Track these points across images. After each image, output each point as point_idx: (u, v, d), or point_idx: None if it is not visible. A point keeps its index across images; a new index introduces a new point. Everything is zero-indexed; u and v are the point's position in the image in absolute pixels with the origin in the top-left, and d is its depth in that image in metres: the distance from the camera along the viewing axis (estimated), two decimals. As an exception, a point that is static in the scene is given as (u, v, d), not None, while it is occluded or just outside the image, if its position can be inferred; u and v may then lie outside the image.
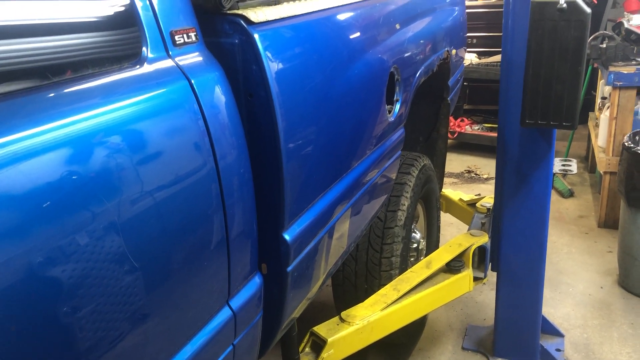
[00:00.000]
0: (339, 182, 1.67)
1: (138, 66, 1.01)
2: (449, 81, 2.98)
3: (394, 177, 2.30)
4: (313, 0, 1.57)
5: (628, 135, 3.17)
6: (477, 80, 5.74)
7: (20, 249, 0.76)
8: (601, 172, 3.91)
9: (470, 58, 5.85)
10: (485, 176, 5.10)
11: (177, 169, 1.04)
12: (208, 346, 1.16)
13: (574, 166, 4.19)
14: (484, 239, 2.47)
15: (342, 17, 1.68)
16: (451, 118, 5.73)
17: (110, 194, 0.89)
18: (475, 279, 2.46)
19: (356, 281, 2.45)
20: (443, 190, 3.32)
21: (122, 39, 1.03)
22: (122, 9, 1.03)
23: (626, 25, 3.68)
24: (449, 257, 2.36)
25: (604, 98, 4.42)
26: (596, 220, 4.03)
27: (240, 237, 1.24)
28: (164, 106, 1.02)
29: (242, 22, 1.24)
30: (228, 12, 1.26)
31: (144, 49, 1.03)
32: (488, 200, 2.88)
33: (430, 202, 2.92)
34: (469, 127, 5.81)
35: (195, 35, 1.17)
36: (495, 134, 5.66)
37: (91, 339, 0.87)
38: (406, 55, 2.13)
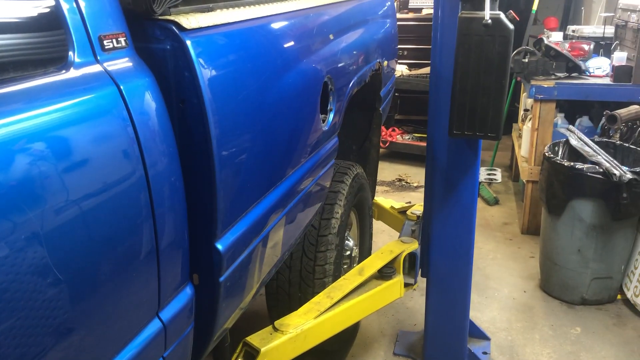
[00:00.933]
0: (273, 190, 1.67)
1: (64, 71, 0.98)
2: (381, 92, 3.04)
3: (328, 185, 2.32)
4: (247, 9, 1.57)
5: (548, 146, 3.34)
6: (408, 92, 5.89)
7: None
8: (524, 180, 4.09)
9: (401, 69, 6.00)
10: (415, 184, 5.23)
11: (104, 177, 1.01)
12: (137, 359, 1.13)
13: (498, 175, 4.36)
14: (414, 246, 2.53)
15: (276, 26, 1.69)
16: (383, 128, 5.86)
17: (33, 202, 0.85)
18: (406, 285, 2.51)
19: (290, 289, 2.45)
20: (375, 198, 3.37)
21: (47, 42, 1.00)
22: (48, 10, 0.99)
23: (546, 41, 3.88)
24: (380, 264, 2.40)
25: (526, 110, 4.64)
26: (520, 227, 4.21)
27: (171, 247, 1.22)
28: (91, 112, 0.99)
29: (174, 28, 1.22)
30: (159, 17, 1.23)
31: (70, 53, 0.99)
32: (418, 208, 2.95)
33: (363, 210, 2.96)
34: (400, 137, 5.95)
35: (125, 41, 1.14)
36: (425, 144, 5.84)
37: (10, 356, 0.83)
38: (340, 65, 2.16)
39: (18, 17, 0.98)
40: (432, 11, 6.50)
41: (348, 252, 2.76)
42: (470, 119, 2.14)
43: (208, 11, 1.39)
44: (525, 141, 4.20)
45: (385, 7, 3.20)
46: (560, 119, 4.04)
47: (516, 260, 3.76)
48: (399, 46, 6.32)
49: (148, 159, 1.11)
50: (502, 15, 2.04)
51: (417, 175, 5.44)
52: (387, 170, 5.59)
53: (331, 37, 2.11)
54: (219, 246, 1.37)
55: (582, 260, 3.11)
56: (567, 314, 3.14)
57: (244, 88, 1.43)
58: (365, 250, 3.05)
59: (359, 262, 2.85)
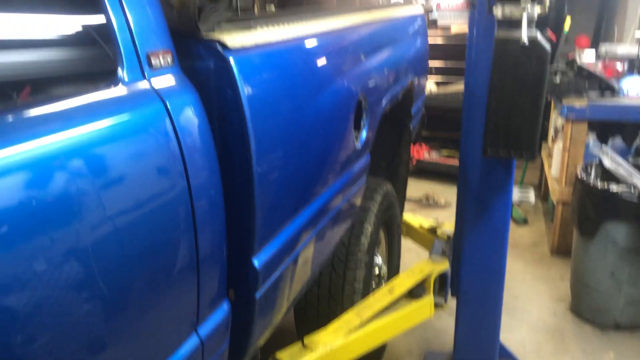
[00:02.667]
0: (307, 207, 1.67)
1: (113, 87, 1.00)
2: (412, 109, 3.04)
3: (359, 203, 2.32)
4: (285, 27, 1.59)
5: (581, 166, 3.29)
6: (435, 108, 5.88)
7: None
8: (554, 201, 4.04)
9: (429, 87, 5.99)
10: (443, 202, 5.19)
11: (150, 191, 1.02)
12: (174, 375, 1.13)
13: (531, 196, 4.30)
14: (445, 266, 2.50)
15: (313, 45, 1.70)
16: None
17: (83, 216, 0.87)
18: (436, 305, 2.48)
19: (318, 306, 2.44)
20: (404, 215, 3.36)
21: (97, 58, 1.02)
22: (99, 27, 1.02)
23: (578, 62, 3.84)
24: (411, 283, 2.38)
25: (556, 129, 4.59)
26: (549, 248, 4.15)
27: (211, 261, 1.23)
28: (138, 128, 1.01)
29: (218, 46, 1.24)
30: (204, 36, 1.26)
31: (119, 69, 1.02)
32: (448, 227, 2.93)
33: (392, 228, 2.95)
34: (427, 154, 5.92)
35: (171, 58, 1.16)
36: (452, 162, 5.81)
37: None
38: (373, 83, 2.17)
39: (70, 33, 1.01)
40: (460, 29, 6.50)
41: (377, 270, 2.74)
42: (504, 139, 2.13)
43: (249, 29, 1.41)
44: (556, 161, 4.15)
45: (417, 25, 3.21)
46: (592, 139, 3.98)
47: (546, 282, 3.70)
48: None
49: (191, 175, 1.12)
50: (539, 36, 2.03)
51: (444, 193, 5.41)
52: (414, 188, 5.56)
53: (365, 55, 2.12)
54: (256, 262, 1.38)
55: (615, 283, 3.05)
56: (599, 338, 3.07)
57: (282, 106, 1.44)
58: (393, 268, 3.03)
59: (388, 280, 2.83)
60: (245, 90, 1.27)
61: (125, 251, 0.96)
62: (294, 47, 1.57)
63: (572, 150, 3.84)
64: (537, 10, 2.02)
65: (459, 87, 5.96)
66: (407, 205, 5.15)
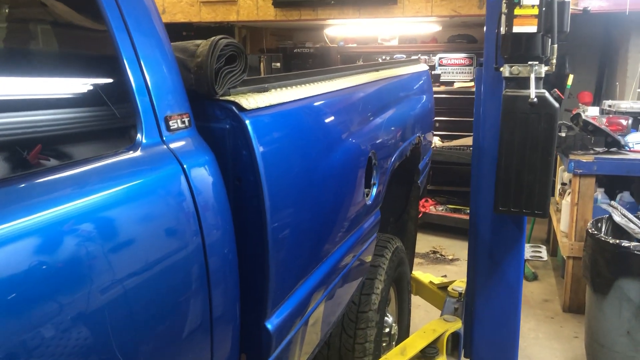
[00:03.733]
0: (319, 267, 1.65)
1: (132, 152, 1.00)
2: (419, 165, 3.04)
3: (369, 260, 2.29)
4: (297, 89, 1.60)
5: (591, 222, 3.26)
6: (441, 162, 5.90)
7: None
8: (564, 256, 3.99)
9: (434, 141, 6.03)
10: (450, 257, 5.13)
11: (166, 253, 1.01)
12: None
13: (544, 253, 4.25)
14: (457, 325, 2.45)
15: (324, 104, 1.72)
16: (416, 198, 5.84)
17: (102, 279, 0.86)
18: (449, 366, 2.41)
19: (328, 368, 2.37)
20: (413, 272, 3.31)
21: (117, 123, 1.02)
22: (119, 92, 1.03)
23: (583, 116, 3.87)
24: (423, 344, 2.32)
25: (564, 184, 4.58)
26: (561, 305, 4.07)
27: (224, 324, 1.20)
28: (155, 190, 1.01)
29: (234, 108, 1.25)
30: (220, 98, 1.27)
31: (139, 134, 1.02)
32: (459, 284, 2.88)
33: (402, 285, 2.90)
34: (433, 208, 5.90)
35: (188, 121, 1.17)
36: (458, 215, 5.79)
37: None
38: (383, 141, 2.17)
39: (89, 99, 1.01)
40: (464, 84, 6.60)
41: (387, 329, 2.68)
42: (516, 196, 2.12)
43: (263, 91, 1.43)
44: (565, 216, 4.12)
45: (422, 82, 3.25)
46: (600, 194, 3.97)
47: (559, 341, 3.60)
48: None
49: (207, 236, 1.11)
50: (547, 94, 2.05)
51: (451, 247, 5.36)
52: (421, 242, 5.51)
53: (373, 114, 2.14)
54: (269, 325, 1.34)
55: (632, 343, 2.96)
56: (617, 400, 2.97)
57: (295, 165, 1.44)
58: (403, 326, 2.96)
59: (398, 339, 2.76)
60: (260, 150, 1.27)
61: (143, 313, 0.94)
62: (306, 107, 1.58)
63: (580, 205, 3.82)
64: (544, 69, 2.05)
65: (463, 141, 6.01)
66: (414, 260, 5.12)
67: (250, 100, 1.29)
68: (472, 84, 6.90)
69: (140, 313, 0.95)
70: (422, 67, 3.41)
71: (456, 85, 6.92)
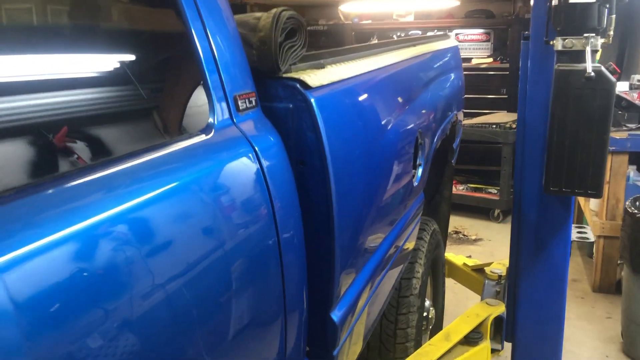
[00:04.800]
0: (376, 252, 1.57)
1: (205, 134, 0.91)
2: (454, 144, 2.95)
3: (413, 244, 2.22)
4: (351, 64, 1.51)
5: (630, 200, 3.17)
6: (462, 141, 5.78)
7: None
8: (595, 236, 3.90)
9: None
10: (473, 237, 5.06)
11: (246, 240, 0.93)
12: None
13: (589, 233, 4.14)
14: (501, 309, 2.38)
15: (379, 80, 1.62)
16: (435, 178, 5.74)
17: (186, 267, 0.79)
18: (492, 350, 2.35)
19: (368, 355, 2.31)
20: (445, 254, 3.24)
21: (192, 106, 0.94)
22: (189, 71, 0.94)
23: (617, 92, 3.75)
24: (467, 329, 2.25)
25: (591, 161, 4.47)
26: (590, 285, 3.99)
27: (294, 316, 1.13)
28: (233, 176, 0.93)
29: (298, 86, 1.16)
30: (283, 75, 1.18)
31: (211, 115, 0.93)
32: (497, 267, 2.80)
33: (438, 268, 2.83)
34: (454, 187, 5.80)
35: (255, 100, 1.08)
36: (480, 195, 5.69)
37: None
38: (428, 119, 2.08)
39: (164, 82, 0.93)
40: (481, 61, 6.45)
41: (425, 313, 2.61)
42: (568, 176, 2.03)
43: (321, 68, 1.33)
44: (595, 194, 4.02)
45: (455, 57, 3.14)
46: (632, 171, 3.87)
47: (592, 322, 3.53)
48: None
49: (280, 222, 1.03)
50: (603, 68, 1.95)
51: (473, 227, 5.28)
52: (441, 222, 5.44)
53: (419, 90, 2.04)
54: (334, 317, 1.27)
55: (673, 324, 2.89)
56: (657, 382, 2.91)
57: (358, 147, 1.35)
58: (438, 310, 2.89)
59: (435, 324, 2.70)
60: (326, 131, 1.18)
61: (216, 303, 0.87)
62: (363, 84, 1.49)
63: (612, 183, 3.72)
64: (600, 41, 1.94)
65: (484, 119, 5.89)
66: (438, 241, 5.05)
67: (314, 77, 1.20)
68: (490, 60, 6.75)
69: (217, 303, 0.88)
70: (452, 42, 3.30)
71: (474, 62, 6.78)
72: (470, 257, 4.63)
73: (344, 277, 1.31)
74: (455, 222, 5.44)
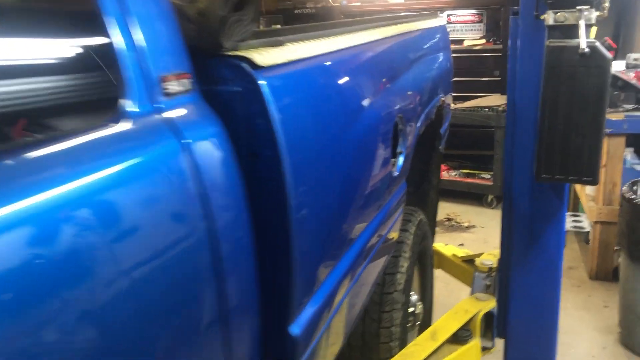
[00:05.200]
0: (347, 252, 1.42)
1: (114, 124, 0.75)
2: (441, 129, 2.79)
3: (396, 238, 2.07)
4: (316, 42, 1.34)
5: (627, 185, 3.02)
6: (453, 125, 5.61)
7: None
8: (591, 222, 3.76)
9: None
10: (466, 224, 4.92)
11: (167, 244, 0.78)
12: None
13: (585, 222, 3.99)
14: (491, 304, 2.23)
15: (348, 60, 1.46)
16: (427, 163, 5.59)
17: (84, 278, 0.63)
18: (483, 348, 2.21)
19: (351, 355, 2.17)
20: (434, 244, 3.09)
21: (95, 87, 0.78)
22: (98, 47, 0.78)
23: (612, 71, 3.59)
24: (456, 326, 2.11)
25: (587, 144, 4.32)
26: (587, 272, 3.86)
27: (241, 324, 0.97)
28: (148, 171, 0.76)
29: (245, 65, 1.00)
30: (229, 53, 1.01)
31: (124, 100, 0.77)
32: (488, 257, 2.65)
33: (425, 260, 2.68)
34: (446, 173, 5.65)
35: (189, 82, 0.92)
36: (472, 180, 5.54)
37: None
38: (409, 103, 1.92)
39: (63, 57, 0.76)
40: (474, 42, 6.27)
41: (412, 309, 2.47)
42: (561, 162, 1.87)
43: (278, 45, 1.17)
44: (591, 178, 3.87)
45: (442, 37, 2.97)
46: (629, 154, 3.72)
47: (589, 311, 3.41)
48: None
49: (216, 221, 0.87)
50: (599, 43, 1.79)
51: (466, 214, 5.13)
52: (433, 209, 5.29)
53: (399, 71, 1.88)
54: (294, 329, 1.12)
55: (673, 314, 2.76)
56: (657, 375, 2.78)
57: (320, 136, 1.19)
58: (427, 303, 2.75)
59: (423, 319, 2.56)
60: (279, 118, 1.02)
61: (143, 310, 0.72)
62: (329, 64, 1.33)
63: (609, 166, 3.58)
64: (595, 14, 1.78)
65: (475, 102, 5.72)
66: (429, 229, 4.90)
67: (265, 56, 1.04)
68: (483, 41, 6.56)
69: (140, 309, 0.73)
70: (440, 21, 3.13)
71: (466, 43, 6.60)
72: (462, 245, 4.50)
73: (307, 283, 1.16)
74: (447, 209, 5.30)
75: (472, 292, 2.38)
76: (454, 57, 6.09)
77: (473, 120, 5.36)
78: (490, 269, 2.54)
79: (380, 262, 1.87)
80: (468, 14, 6.68)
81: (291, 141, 1.05)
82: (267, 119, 1.00)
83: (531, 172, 1.98)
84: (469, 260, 2.82)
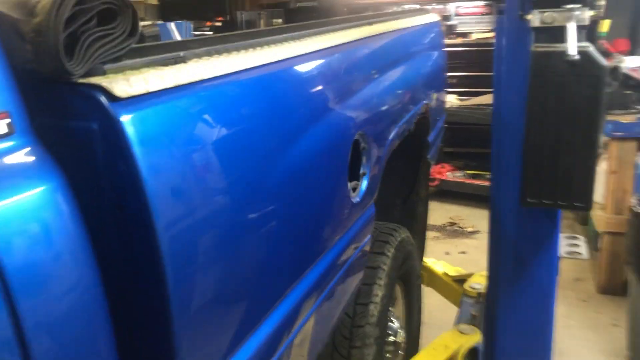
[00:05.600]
0: (273, 314, 1.17)
1: None
2: (429, 136, 2.54)
3: (362, 266, 1.83)
4: (239, 55, 1.11)
5: (637, 197, 2.75)
6: (459, 123, 5.35)
7: None
8: (599, 231, 3.49)
9: (450, 100, 5.48)
10: (469, 229, 4.66)
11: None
12: None
13: (582, 247, 3.71)
14: (475, 338, 2.00)
15: (283, 76, 1.23)
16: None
17: None
18: (466, 388, 1.98)
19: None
20: (424, 259, 2.86)
21: None
22: None
23: (623, 70, 3.31)
24: (433, 366, 1.89)
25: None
26: (595, 285, 3.59)
27: None
28: None
29: (101, 96, 0.78)
30: (81, 81, 0.79)
31: None
32: (478, 280, 2.42)
33: (410, 281, 2.44)
34: (450, 174, 5.40)
35: (8, 125, 0.70)
36: (478, 182, 5.26)
37: None
38: (375, 116, 1.69)
39: None
40: (482, 35, 5.97)
41: (392, 337, 2.24)
42: (549, 184, 1.63)
43: (173, 64, 0.94)
44: (600, 185, 3.59)
45: (432, 36, 2.72)
46: (642, 159, 3.43)
47: (596, 330, 3.15)
48: (448, 74, 5.83)
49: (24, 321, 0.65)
50: (592, 48, 1.53)
51: (471, 217, 4.88)
52: (437, 212, 5.02)
53: (361, 83, 1.64)
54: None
55: (686, 340, 2.50)
56: (668, 407, 2.52)
57: (222, 177, 0.96)
58: (413, 326, 2.52)
59: (406, 348, 2.33)
60: (147, 161, 0.80)
61: None
62: (246, 83, 1.09)
63: (619, 172, 3.30)
64: (588, 14, 1.53)
65: (482, 99, 5.44)
66: (430, 233, 4.63)
67: (134, 82, 0.81)
68: (491, 34, 6.26)
69: None
70: (432, 17, 2.87)
71: (474, 36, 6.31)
72: (464, 253, 4.25)
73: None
74: (451, 212, 5.05)
75: (457, 322, 2.14)
76: (461, 51, 5.84)
77: (479, 119, 5.08)
78: (479, 294, 2.30)
79: (342, 300, 1.64)
80: (476, 5, 6.39)
81: (166, 189, 0.83)
82: (130, 163, 0.78)
83: (517, 195, 1.74)
84: (461, 281, 2.58)
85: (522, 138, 1.64)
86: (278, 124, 1.14)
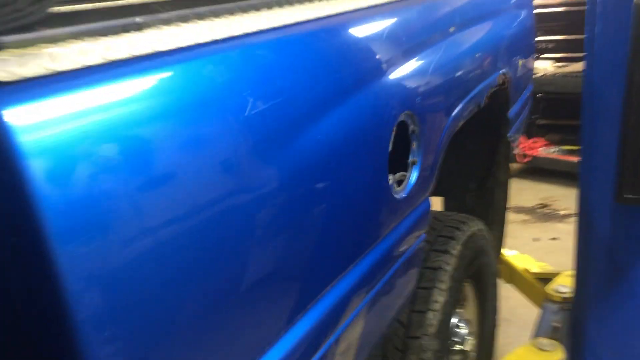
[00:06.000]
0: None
1: None
2: (510, 112, 2.19)
3: (417, 268, 1.56)
4: (217, 20, 0.86)
5: None
6: (554, 93, 4.82)
7: None
8: None
9: (544, 67, 4.94)
10: (563, 212, 4.19)
11: None
12: None
13: None
14: (555, 357, 1.67)
15: (289, 44, 0.97)
16: (523, 138, 4.85)
17: None
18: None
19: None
20: (503, 251, 2.52)
21: None
22: None
23: None
24: (502, 390, 1.59)
25: None
26: None
27: None
28: None
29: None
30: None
31: None
32: (566, 281, 2.05)
33: (484, 279, 2.13)
34: (543, 150, 4.89)
35: None
36: (576, 158, 4.72)
37: None
38: (428, 93, 1.38)
39: None
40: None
41: (458, 346, 1.95)
42: (655, 178, 1.27)
43: (128, 31, 0.71)
44: None
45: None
46: None
47: None
48: (544, 38, 5.26)
49: None
50: None
51: (565, 198, 4.38)
52: (527, 192, 4.58)
53: (409, 51, 1.34)
54: None
55: None
56: None
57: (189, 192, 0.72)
58: (487, 331, 2.20)
59: (484, 348, 2.02)
60: (46, 170, 0.57)
61: None
62: (227, 54, 0.84)
63: None
64: None
65: (582, 65, 4.87)
66: (517, 216, 4.21)
67: (29, 61, 0.59)
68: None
69: None
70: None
71: (574, -6, 5.65)
72: (556, 239, 3.81)
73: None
74: (544, 192, 4.57)
75: (535, 335, 1.81)
76: (559, 11, 5.22)
77: (577, 86, 4.53)
78: (565, 299, 1.95)
79: (379, 318, 1.37)
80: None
81: (82, 228, 0.60)
82: (15, 173, 0.56)
83: (612, 186, 1.39)
84: (545, 279, 2.23)
85: (620, 118, 1.29)
86: (278, 112, 0.88)
